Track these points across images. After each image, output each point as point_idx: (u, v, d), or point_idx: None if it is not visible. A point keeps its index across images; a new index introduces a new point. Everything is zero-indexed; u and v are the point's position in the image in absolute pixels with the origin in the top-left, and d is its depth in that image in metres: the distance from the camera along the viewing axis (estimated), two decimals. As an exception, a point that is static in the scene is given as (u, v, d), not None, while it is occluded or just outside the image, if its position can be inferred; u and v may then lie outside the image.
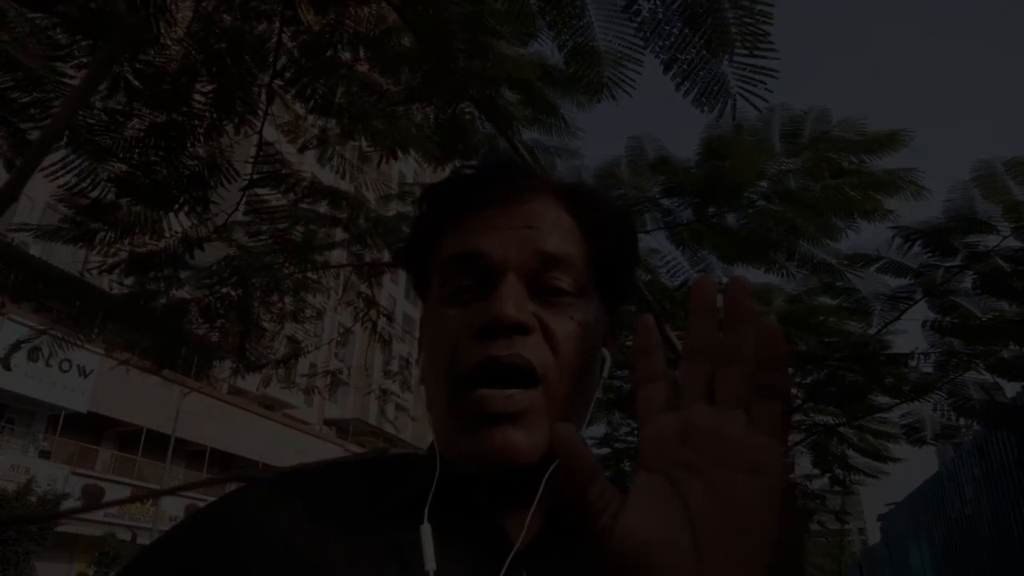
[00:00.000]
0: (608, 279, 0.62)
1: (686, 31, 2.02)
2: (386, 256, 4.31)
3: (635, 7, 2.10)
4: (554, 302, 0.56)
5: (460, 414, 0.54)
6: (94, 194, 2.81)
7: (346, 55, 2.81)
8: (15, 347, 3.87)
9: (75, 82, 2.50)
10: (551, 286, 0.56)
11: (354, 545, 0.50)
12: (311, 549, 0.50)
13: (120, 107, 2.64)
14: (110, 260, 3.23)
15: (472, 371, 0.53)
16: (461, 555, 0.50)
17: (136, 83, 2.55)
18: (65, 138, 2.60)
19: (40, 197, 15.64)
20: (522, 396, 0.53)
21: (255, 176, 3.25)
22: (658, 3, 2.06)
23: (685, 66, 2.08)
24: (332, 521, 0.52)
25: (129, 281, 3.54)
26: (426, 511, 0.51)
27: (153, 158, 2.79)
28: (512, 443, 0.52)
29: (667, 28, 2.07)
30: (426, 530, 0.49)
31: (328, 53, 2.70)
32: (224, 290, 3.74)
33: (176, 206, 2.96)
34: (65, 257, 10.34)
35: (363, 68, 2.91)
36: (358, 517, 0.53)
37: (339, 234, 4.02)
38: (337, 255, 5.06)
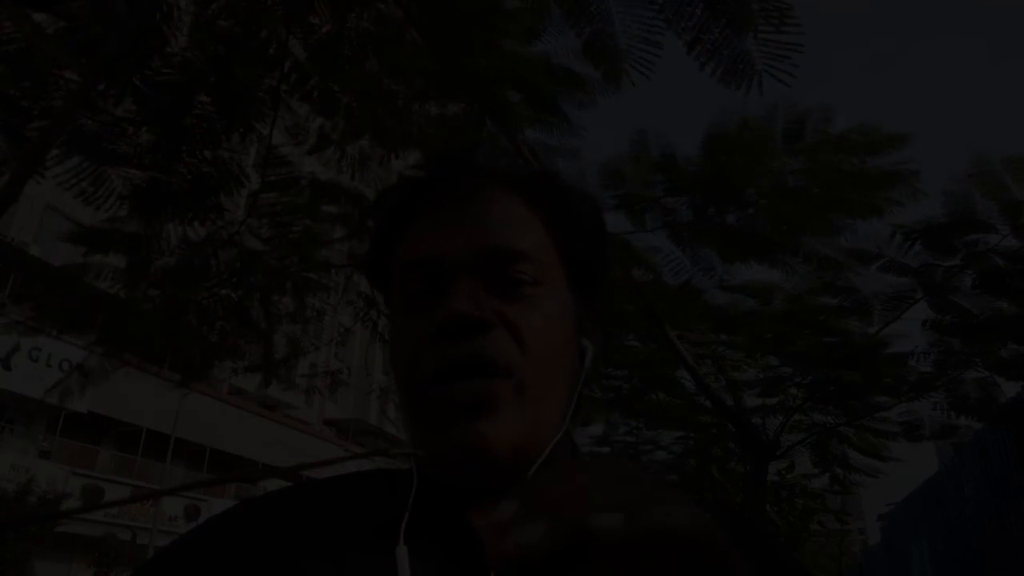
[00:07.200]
0: (578, 267, 0.60)
1: (708, 11, 1.97)
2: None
3: None
4: (517, 295, 0.54)
5: (424, 416, 0.52)
6: (100, 203, 2.80)
7: (350, 55, 2.80)
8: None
9: (75, 80, 2.49)
10: (511, 279, 0.54)
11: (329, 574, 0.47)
12: None
13: (127, 115, 2.63)
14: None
15: (431, 374, 0.51)
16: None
17: (143, 88, 2.55)
18: (65, 140, 2.59)
19: (40, 199, 15.62)
20: (485, 384, 0.50)
21: (263, 181, 3.24)
22: None
23: (709, 46, 2.03)
24: (306, 550, 0.50)
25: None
26: (402, 531, 0.48)
27: (160, 165, 2.78)
28: (479, 435, 0.49)
29: (689, 9, 2.02)
30: (402, 553, 0.46)
31: (336, 54, 2.69)
32: (224, 292, 3.73)
33: (190, 215, 2.94)
34: (65, 257, 10.33)
35: (371, 69, 2.90)
36: (334, 543, 0.50)
37: (340, 230, 4.02)
38: (338, 253, 5.06)
